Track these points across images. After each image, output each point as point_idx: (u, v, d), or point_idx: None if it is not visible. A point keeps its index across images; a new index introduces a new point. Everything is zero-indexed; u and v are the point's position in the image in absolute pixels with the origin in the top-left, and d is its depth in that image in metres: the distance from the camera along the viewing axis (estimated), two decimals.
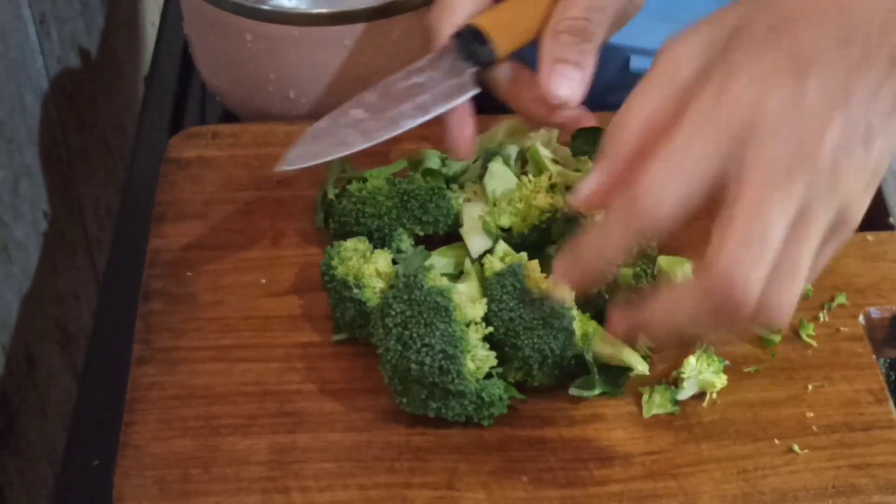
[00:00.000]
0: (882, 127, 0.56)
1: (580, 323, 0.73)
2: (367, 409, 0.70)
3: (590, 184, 0.60)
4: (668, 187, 0.56)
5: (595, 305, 0.74)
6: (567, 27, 0.71)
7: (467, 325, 0.69)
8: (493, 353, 0.69)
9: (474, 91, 0.74)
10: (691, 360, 0.71)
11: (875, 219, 0.90)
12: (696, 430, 0.69)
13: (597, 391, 0.71)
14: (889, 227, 0.89)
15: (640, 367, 0.72)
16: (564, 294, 0.69)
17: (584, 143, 0.80)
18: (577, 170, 0.79)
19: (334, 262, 0.73)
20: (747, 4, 0.59)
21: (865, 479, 0.67)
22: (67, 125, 1.03)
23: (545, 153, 0.79)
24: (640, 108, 0.59)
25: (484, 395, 0.68)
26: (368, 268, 0.73)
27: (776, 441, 0.69)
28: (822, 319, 0.76)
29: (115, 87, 1.19)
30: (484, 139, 0.82)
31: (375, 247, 0.76)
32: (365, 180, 0.79)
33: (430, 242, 0.78)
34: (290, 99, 0.90)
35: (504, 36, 0.73)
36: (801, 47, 0.56)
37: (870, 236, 0.80)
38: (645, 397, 0.71)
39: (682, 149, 0.56)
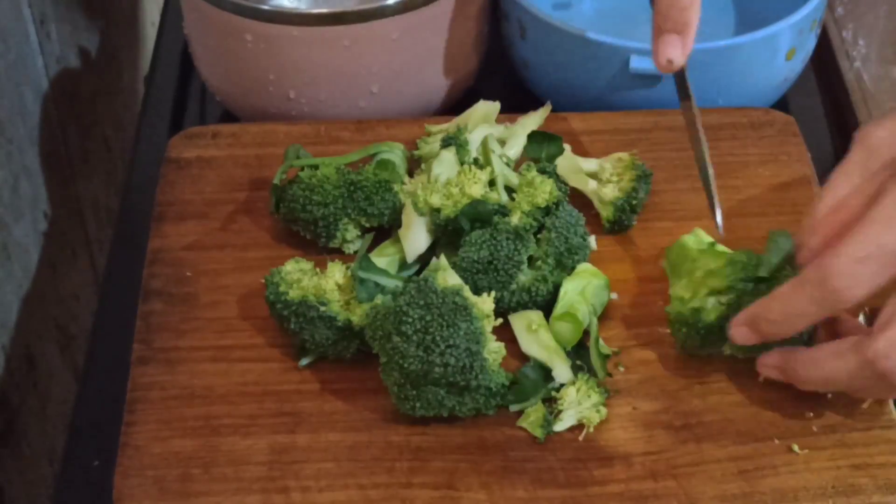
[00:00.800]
0: None
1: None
2: (367, 409, 0.70)
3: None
4: (861, 276, 0.60)
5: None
6: None
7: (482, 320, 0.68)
8: (503, 345, 0.69)
9: None
10: (571, 391, 0.69)
11: None
12: (696, 430, 0.69)
13: (527, 403, 0.70)
14: None
15: (562, 377, 0.71)
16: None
17: (538, 146, 0.80)
18: (521, 173, 0.77)
19: (282, 288, 0.71)
20: None
21: (865, 479, 0.67)
22: (67, 125, 1.03)
23: (497, 150, 0.79)
24: (838, 188, 0.64)
25: (492, 385, 0.68)
26: (328, 283, 0.71)
27: (776, 441, 0.69)
28: None
29: (115, 87, 1.19)
30: (459, 122, 0.82)
31: (320, 236, 0.76)
32: (317, 167, 0.78)
33: (380, 235, 0.78)
34: (290, 99, 0.90)
35: None
36: None
37: None
38: (530, 409, 0.70)
39: (877, 238, 0.60)
